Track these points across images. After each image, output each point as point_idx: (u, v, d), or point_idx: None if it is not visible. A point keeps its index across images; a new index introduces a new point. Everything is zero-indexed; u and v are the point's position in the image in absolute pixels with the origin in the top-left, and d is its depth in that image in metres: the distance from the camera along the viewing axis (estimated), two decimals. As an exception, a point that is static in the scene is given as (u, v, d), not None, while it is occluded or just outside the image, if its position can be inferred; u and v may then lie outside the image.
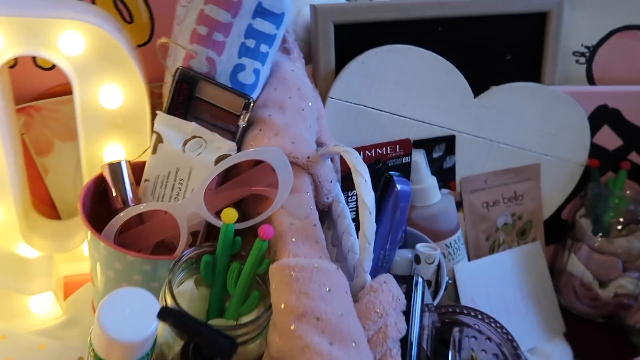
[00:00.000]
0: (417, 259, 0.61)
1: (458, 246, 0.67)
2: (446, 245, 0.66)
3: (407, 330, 0.43)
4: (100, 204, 0.53)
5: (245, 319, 0.46)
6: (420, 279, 0.46)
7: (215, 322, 0.48)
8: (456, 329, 0.52)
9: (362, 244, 0.45)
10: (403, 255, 0.63)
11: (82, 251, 0.62)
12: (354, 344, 0.38)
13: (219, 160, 0.51)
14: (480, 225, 0.75)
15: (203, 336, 0.31)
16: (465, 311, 0.54)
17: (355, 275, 0.46)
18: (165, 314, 0.30)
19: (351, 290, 0.46)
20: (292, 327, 0.38)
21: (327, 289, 0.41)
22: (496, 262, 0.72)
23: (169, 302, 0.42)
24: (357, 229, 0.53)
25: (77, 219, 0.66)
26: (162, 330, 0.45)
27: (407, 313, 0.44)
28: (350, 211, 0.56)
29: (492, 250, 0.76)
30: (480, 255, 0.73)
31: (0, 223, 0.54)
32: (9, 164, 0.53)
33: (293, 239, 0.45)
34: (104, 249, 0.48)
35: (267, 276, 0.47)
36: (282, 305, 0.40)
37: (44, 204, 0.64)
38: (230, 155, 0.50)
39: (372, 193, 0.46)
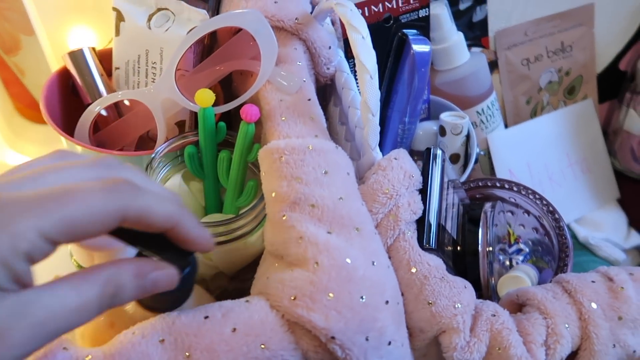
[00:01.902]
0: (441, 131, 0.53)
1: (492, 112, 0.58)
2: (477, 112, 0.57)
3: (424, 211, 0.36)
4: (75, 104, 0.47)
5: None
6: (438, 151, 0.38)
7: (213, 217, 0.43)
8: (487, 205, 0.45)
9: (364, 115, 0.37)
10: (426, 128, 0.55)
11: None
12: (356, 231, 0.32)
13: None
14: (520, 87, 0.64)
15: (160, 257, 0.26)
16: (498, 184, 0.47)
17: (361, 153, 0.39)
18: (120, 232, 0.25)
19: (358, 171, 0.40)
20: (284, 217, 0.33)
21: (324, 171, 0.34)
22: (538, 127, 0.63)
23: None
24: (386, 89, 0.45)
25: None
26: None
27: (424, 191, 0.37)
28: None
29: (534, 115, 0.66)
30: (520, 122, 0.64)
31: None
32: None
33: (283, 118, 0.38)
34: (81, 151, 0.43)
35: (261, 163, 0.41)
36: (273, 194, 0.34)
37: (30, 107, 0.59)
38: (203, 26, 0.42)
39: (373, 52, 0.37)
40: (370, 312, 0.29)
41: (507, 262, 0.50)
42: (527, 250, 0.52)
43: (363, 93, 0.37)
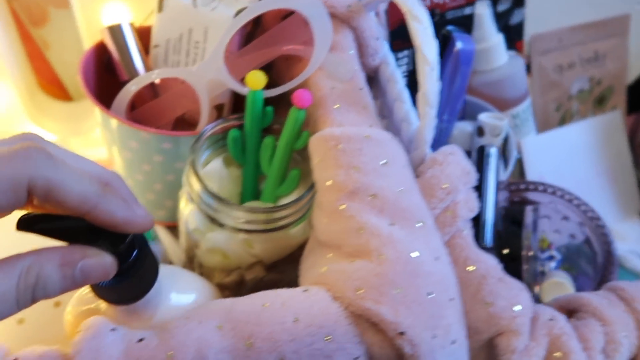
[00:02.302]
0: (480, 131, 0.52)
1: (526, 117, 0.58)
2: (512, 115, 0.56)
3: (480, 209, 0.35)
4: (108, 80, 0.45)
5: (284, 201, 0.40)
6: (494, 150, 0.38)
7: (251, 204, 0.42)
8: (529, 208, 0.44)
9: (422, 109, 0.36)
10: (462, 128, 0.54)
11: (98, 136, 0.56)
12: (418, 224, 0.31)
13: (239, 14, 0.41)
14: (551, 93, 0.64)
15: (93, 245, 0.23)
16: (541, 188, 0.46)
17: (413, 147, 0.38)
18: (27, 224, 0.23)
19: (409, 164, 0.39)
20: (343, 207, 0.32)
21: (382, 161, 0.33)
22: (568, 135, 0.62)
23: (195, 184, 0.36)
24: (411, 95, 0.44)
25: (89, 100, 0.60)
26: (193, 216, 0.39)
27: (479, 189, 0.36)
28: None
29: (562, 122, 0.65)
30: (548, 128, 0.63)
31: (4, 104, 0.48)
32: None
33: (336, 106, 0.37)
34: (116, 126, 0.41)
35: (306, 152, 0.40)
36: (328, 183, 0.33)
37: (52, 84, 0.57)
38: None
39: (435, 43, 0.36)
40: (437, 309, 0.28)
41: (539, 269, 0.50)
42: (559, 257, 0.51)
43: (422, 85, 0.36)
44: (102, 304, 0.31)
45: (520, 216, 0.43)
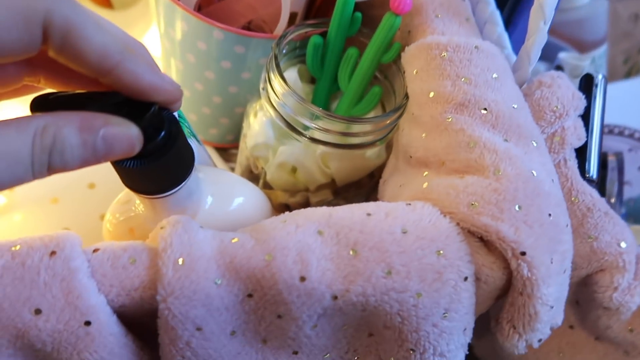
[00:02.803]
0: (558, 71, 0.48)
1: (601, 63, 0.54)
2: (592, 59, 0.52)
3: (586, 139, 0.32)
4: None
5: (362, 121, 0.37)
6: (602, 77, 0.34)
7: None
8: (611, 153, 0.41)
9: (534, 24, 0.32)
10: (535, 69, 0.50)
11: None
12: (534, 144, 0.28)
13: None
14: (622, 44, 0.60)
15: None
16: (627, 132, 0.43)
17: (514, 67, 0.34)
18: (41, 101, 0.20)
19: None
20: (449, 119, 0.28)
21: (493, 74, 0.30)
22: (635, 89, 0.59)
23: (277, 85, 0.33)
24: (504, 19, 0.40)
25: (131, 11, 0.56)
26: (264, 127, 0.36)
27: (586, 118, 0.33)
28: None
29: (627, 75, 0.62)
30: (613, 80, 0.60)
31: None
32: None
33: (437, 15, 0.33)
34: (184, 26, 0.37)
35: (391, 69, 0.37)
36: (431, 94, 0.30)
37: (96, -11, 0.52)
38: None
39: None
40: (557, 233, 0.26)
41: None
42: (623, 211, 0.48)
43: (536, -4, 0.32)
44: (140, 209, 0.28)
45: (604, 160, 0.40)
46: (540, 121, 0.31)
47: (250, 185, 0.33)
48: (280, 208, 0.40)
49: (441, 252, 0.24)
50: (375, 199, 0.41)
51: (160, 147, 0.21)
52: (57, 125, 0.18)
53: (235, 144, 0.49)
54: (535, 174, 0.26)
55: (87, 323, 0.21)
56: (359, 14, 0.35)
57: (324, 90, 0.38)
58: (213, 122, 0.45)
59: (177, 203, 0.25)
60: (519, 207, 0.25)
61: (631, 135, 0.44)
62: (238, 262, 0.23)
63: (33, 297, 0.21)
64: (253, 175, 0.39)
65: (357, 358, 0.27)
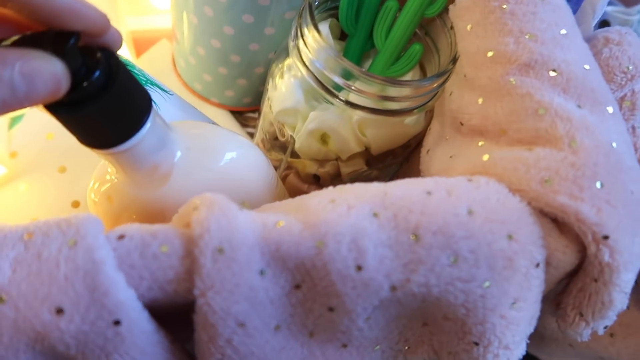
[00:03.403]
0: (603, 25, 0.44)
1: (646, 18, 0.50)
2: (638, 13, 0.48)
3: (656, 104, 0.29)
4: None
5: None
6: (672, 34, 0.31)
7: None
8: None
9: (603, -30, 0.28)
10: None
11: (148, 2, 0.47)
12: (609, 110, 0.25)
13: None
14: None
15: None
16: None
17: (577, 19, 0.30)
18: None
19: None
20: (513, 81, 0.25)
21: (562, 30, 0.26)
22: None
23: (311, 40, 0.29)
24: None
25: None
26: (293, 90, 0.32)
27: (654, 80, 0.29)
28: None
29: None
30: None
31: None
32: None
33: (491, -40, 0.29)
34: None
35: (434, 24, 0.33)
36: (490, 53, 0.26)
37: None
38: None
39: None
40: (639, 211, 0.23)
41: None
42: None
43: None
44: (114, 176, 0.25)
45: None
46: (609, 84, 0.28)
47: (243, 140, 0.28)
48: (308, 179, 0.37)
49: (513, 235, 0.21)
50: (408, 169, 0.38)
51: (97, 87, 0.19)
52: None
53: (252, 107, 0.45)
54: (615, 146, 0.23)
55: (117, 322, 0.18)
56: (400, -40, 0.31)
57: (356, 48, 0.34)
58: (230, 83, 0.41)
59: (142, 157, 0.22)
60: (601, 185, 0.22)
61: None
62: (285, 250, 0.20)
63: (53, 294, 0.18)
64: (279, 143, 0.36)
65: (408, 348, 0.25)
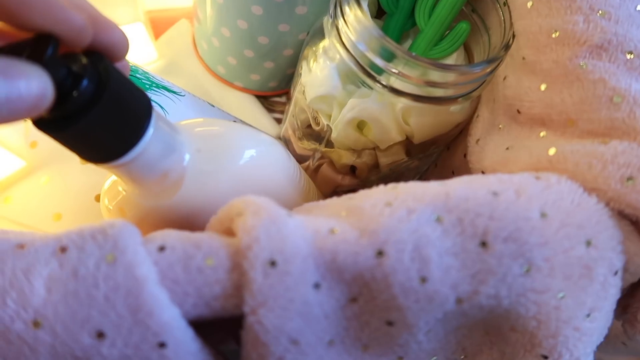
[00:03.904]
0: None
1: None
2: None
3: None
4: None
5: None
6: None
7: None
8: None
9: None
10: None
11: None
12: (693, 98, 0.22)
13: None
14: None
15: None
16: None
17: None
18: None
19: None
20: (584, 65, 0.22)
21: (638, 6, 0.24)
22: None
23: (353, 19, 0.26)
24: None
25: None
26: (330, 75, 0.30)
27: None
28: None
29: None
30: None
31: None
32: None
33: None
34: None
35: (483, 1, 0.30)
36: (556, 33, 0.24)
37: None
38: None
39: None
40: None
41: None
42: None
43: None
44: (122, 187, 0.23)
45: None
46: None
47: (262, 137, 0.26)
48: (344, 169, 0.34)
49: (591, 241, 0.19)
50: (449, 157, 0.36)
51: (86, 97, 0.16)
52: None
53: (278, 91, 0.43)
54: (702, 139, 0.21)
55: (162, 345, 0.17)
56: None
57: (396, 28, 0.32)
58: (256, 66, 0.39)
59: (149, 166, 0.20)
60: (690, 183, 0.20)
61: None
62: (342, 260, 0.18)
63: (93, 317, 0.16)
64: (312, 132, 0.34)
65: (464, 357, 0.23)
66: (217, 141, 0.24)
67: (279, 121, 0.43)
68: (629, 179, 0.20)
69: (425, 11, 0.30)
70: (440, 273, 0.19)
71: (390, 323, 0.19)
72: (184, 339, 0.17)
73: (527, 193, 0.20)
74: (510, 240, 0.19)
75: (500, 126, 0.27)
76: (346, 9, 0.27)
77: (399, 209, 0.19)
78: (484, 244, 0.19)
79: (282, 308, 0.18)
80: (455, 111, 0.31)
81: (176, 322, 0.17)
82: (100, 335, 0.16)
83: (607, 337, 0.33)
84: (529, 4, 0.25)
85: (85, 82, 0.16)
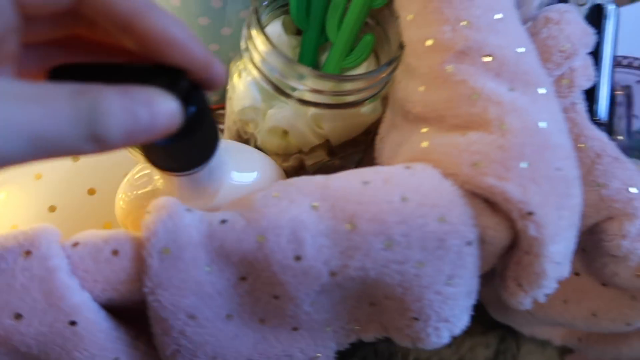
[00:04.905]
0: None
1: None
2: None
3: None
4: None
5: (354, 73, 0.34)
6: (612, 7, 0.31)
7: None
8: (621, 87, 0.39)
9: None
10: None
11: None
12: (542, 91, 0.26)
13: None
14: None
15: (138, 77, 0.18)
16: (636, 63, 0.40)
17: (518, 2, 0.31)
18: (61, 70, 0.18)
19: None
20: (450, 69, 0.26)
21: (498, 15, 0.27)
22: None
23: (260, 43, 0.30)
24: None
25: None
26: (249, 90, 0.33)
27: (594, 54, 0.30)
28: None
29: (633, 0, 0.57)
30: (625, 3, 0.56)
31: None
32: None
33: (429, -52, 0.30)
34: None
35: (384, 14, 0.34)
36: (429, 42, 0.27)
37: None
38: None
39: None
40: (566, 187, 0.24)
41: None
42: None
43: None
44: (159, 184, 0.27)
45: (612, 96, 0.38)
46: (547, 63, 0.28)
47: (263, 156, 0.31)
48: (274, 171, 0.38)
49: (444, 218, 0.23)
50: (370, 155, 0.39)
51: (193, 120, 0.19)
52: (89, 88, 0.16)
53: (221, 104, 0.46)
54: (542, 126, 0.24)
55: (73, 323, 0.20)
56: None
57: (311, 43, 0.35)
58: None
59: (202, 179, 0.24)
60: (525, 163, 0.23)
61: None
62: (228, 246, 0.22)
63: (11, 301, 0.19)
64: (242, 140, 0.37)
65: (359, 327, 0.26)
66: (243, 163, 0.29)
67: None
68: (476, 163, 0.23)
69: (334, 26, 0.34)
70: (314, 252, 0.22)
71: (276, 297, 0.23)
72: (94, 318, 0.21)
73: (393, 181, 0.24)
74: (373, 221, 0.22)
75: (397, 125, 0.31)
76: (253, 33, 0.30)
77: (283, 200, 0.23)
78: (351, 225, 0.22)
79: (176, 287, 0.21)
80: (367, 113, 0.35)
81: (86, 304, 0.20)
82: (18, 316, 0.19)
83: (516, 309, 0.36)
84: (410, 18, 0.29)
85: (193, 109, 0.19)
